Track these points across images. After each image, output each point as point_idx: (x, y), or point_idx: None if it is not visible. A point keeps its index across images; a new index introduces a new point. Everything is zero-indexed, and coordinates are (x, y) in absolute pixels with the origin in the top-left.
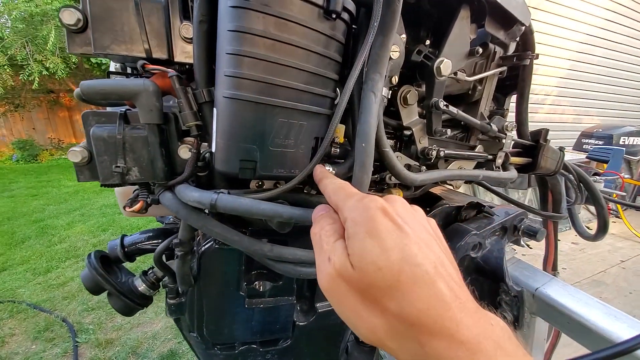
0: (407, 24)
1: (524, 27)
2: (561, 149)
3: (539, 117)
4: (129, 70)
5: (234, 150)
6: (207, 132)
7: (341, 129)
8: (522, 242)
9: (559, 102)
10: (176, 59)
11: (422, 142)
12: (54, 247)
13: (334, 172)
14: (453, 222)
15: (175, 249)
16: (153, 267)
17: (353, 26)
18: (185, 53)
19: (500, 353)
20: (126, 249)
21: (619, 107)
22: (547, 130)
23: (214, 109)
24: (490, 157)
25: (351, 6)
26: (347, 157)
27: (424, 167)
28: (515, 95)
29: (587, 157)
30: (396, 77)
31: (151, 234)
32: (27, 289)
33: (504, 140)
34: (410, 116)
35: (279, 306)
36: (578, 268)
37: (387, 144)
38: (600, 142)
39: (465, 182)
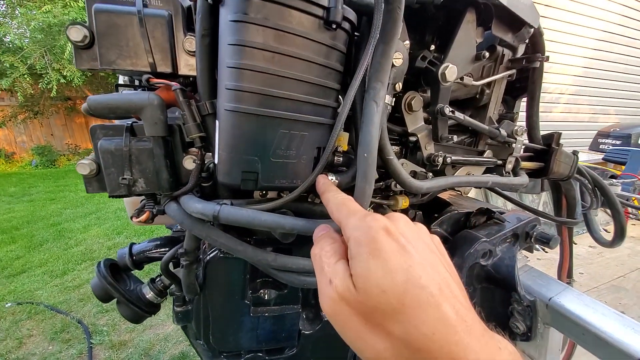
0: (411, 29)
1: (532, 29)
2: (575, 153)
3: (553, 116)
4: (137, 83)
5: (235, 162)
6: (210, 143)
7: (344, 137)
8: (536, 246)
9: (575, 101)
10: (180, 72)
11: (428, 149)
12: (70, 250)
13: (337, 181)
14: (462, 229)
15: (180, 258)
16: (161, 275)
17: (355, 34)
18: (189, 66)
19: None
20: (134, 257)
21: (639, 105)
22: (559, 134)
23: (216, 121)
24: (499, 162)
25: (352, 15)
26: (351, 166)
27: (431, 174)
28: (525, 98)
29: (603, 159)
30: (400, 84)
31: (159, 242)
32: (45, 290)
33: (513, 145)
34: (416, 122)
35: (285, 315)
36: (596, 273)
37: (391, 151)
38: (618, 142)
39: (475, 187)
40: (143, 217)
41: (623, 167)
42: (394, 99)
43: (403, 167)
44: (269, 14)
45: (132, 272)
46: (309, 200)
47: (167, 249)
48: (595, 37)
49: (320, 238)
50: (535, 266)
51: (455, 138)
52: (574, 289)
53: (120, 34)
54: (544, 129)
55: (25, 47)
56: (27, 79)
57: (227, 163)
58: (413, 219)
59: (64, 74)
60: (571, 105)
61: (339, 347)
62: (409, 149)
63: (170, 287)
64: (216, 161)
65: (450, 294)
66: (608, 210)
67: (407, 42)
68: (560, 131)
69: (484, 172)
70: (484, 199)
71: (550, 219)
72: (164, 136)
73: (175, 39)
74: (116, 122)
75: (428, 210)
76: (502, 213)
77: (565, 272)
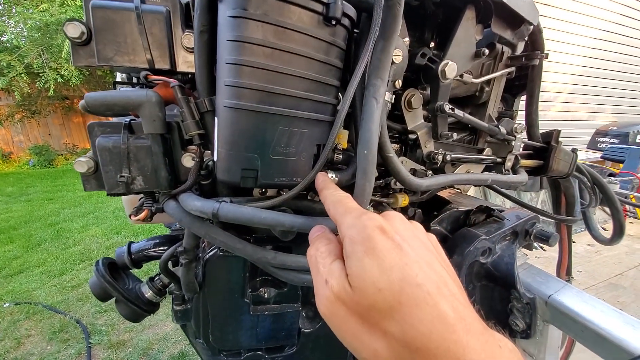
0: (411, 26)
1: (532, 27)
2: (574, 151)
3: (551, 115)
4: (134, 80)
5: (235, 160)
6: (209, 141)
7: (344, 135)
8: (535, 245)
9: (573, 100)
10: (179, 69)
11: (428, 146)
12: (68, 250)
13: (336, 179)
14: (462, 227)
15: (179, 256)
16: (160, 274)
17: (355, 30)
18: (187, 62)
19: None
20: (133, 256)
21: (636, 104)
22: (558, 132)
23: (215, 118)
24: (499, 160)
25: (352, 12)
26: (351, 163)
27: (430, 172)
28: (524, 96)
29: (601, 157)
30: (400, 81)
31: (158, 241)
32: (43, 290)
33: (513, 143)
34: (415, 120)
35: (284, 313)
36: (594, 271)
37: (391, 149)
38: (616, 141)
39: (475, 185)
40: (142, 215)
41: (621, 165)
42: (394, 96)
43: (403, 165)
44: (268, 9)
45: (130, 270)
46: (309, 197)
47: (166, 247)
48: (593, 36)
49: (316, 239)
50: (534, 264)
51: (455, 136)
52: (573, 286)
53: (118, 31)
54: (542, 127)
55: (22, 46)
56: (25, 78)
57: (227, 160)
58: (413, 217)
59: (62, 73)
60: (569, 104)
61: (338, 346)
62: (409, 147)
63: (169, 286)
64: (215, 158)
65: (448, 292)
66: (606, 209)
67: (407, 39)
68: (558, 129)
69: (484, 170)
70: (482, 197)
71: (550, 217)
72: (162, 133)
73: (173, 35)
74: (114, 119)
75: (428, 208)
76: (501, 211)
77: (564, 270)
